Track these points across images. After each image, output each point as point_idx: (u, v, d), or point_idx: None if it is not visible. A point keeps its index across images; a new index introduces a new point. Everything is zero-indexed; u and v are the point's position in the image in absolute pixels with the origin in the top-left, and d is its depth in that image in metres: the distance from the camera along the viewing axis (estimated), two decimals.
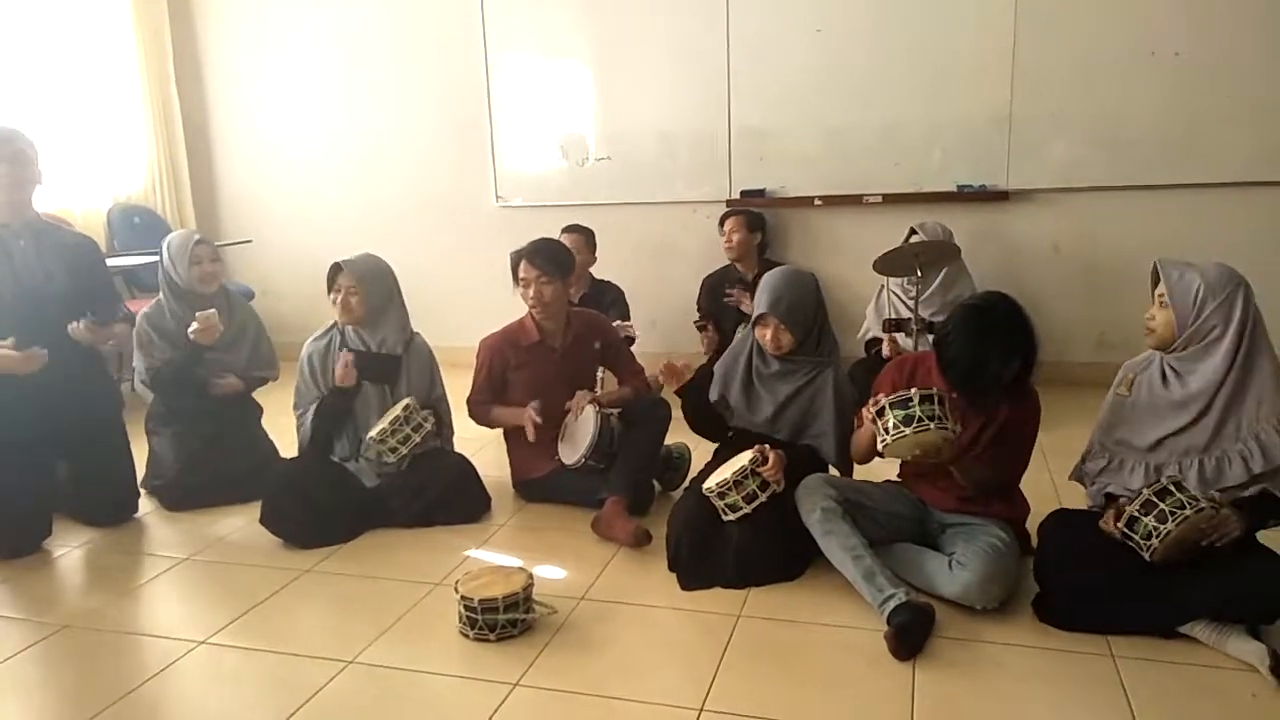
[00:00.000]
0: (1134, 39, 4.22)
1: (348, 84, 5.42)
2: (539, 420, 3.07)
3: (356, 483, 3.06)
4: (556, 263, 3.16)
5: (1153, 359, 2.35)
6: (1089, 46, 4.28)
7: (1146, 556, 2.12)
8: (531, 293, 3.12)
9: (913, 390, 2.19)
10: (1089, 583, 2.22)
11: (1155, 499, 2.08)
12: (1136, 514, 2.11)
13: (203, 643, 2.35)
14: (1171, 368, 2.27)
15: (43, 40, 4.69)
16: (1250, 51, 4.09)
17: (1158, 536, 2.08)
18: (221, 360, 3.37)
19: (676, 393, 2.85)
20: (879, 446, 2.28)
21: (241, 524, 3.11)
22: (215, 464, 3.30)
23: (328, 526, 2.93)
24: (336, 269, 3.08)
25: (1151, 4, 4.18)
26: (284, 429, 3.32)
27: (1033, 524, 2.48)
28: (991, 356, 2.26)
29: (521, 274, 3.12)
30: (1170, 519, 2.06)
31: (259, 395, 3.58)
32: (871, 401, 2.27)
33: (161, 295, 3.38)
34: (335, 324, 3.15)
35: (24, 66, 4.58)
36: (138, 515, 3.22)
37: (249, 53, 5.56)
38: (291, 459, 3.15)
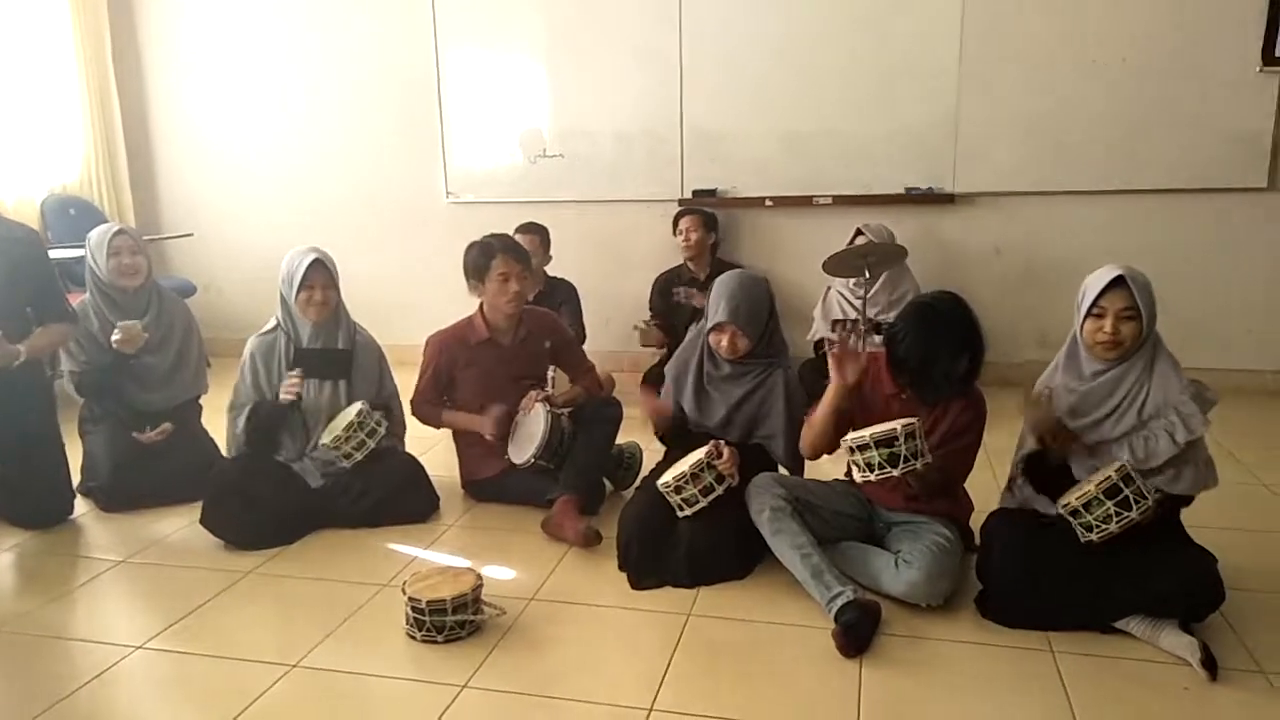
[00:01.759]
0: (1078, 46, 4.33)
1: (294, 74, 5.32)
2: (497, 419, 3.04)
3: (301, 482, 3.00)
4: (527, 257, 3.18)
5: (1057, 362, 2.39)
6: (1035, 52, 4.38)
7: (1083, 541, 2.18)
8: (513, 286, 3.08)
9: (897, 426, 2.18)
10: (1029, 580, 2.26)
11: (1102, 496, 2.12)
12: (1079, 507, 2.16)
13: (139, 648, 2.29)
14: (1096, 369, 2.30)
15: None
16: (1189, 60, 4.22)
17: (1098, 532, 2.15)
18: (146, 363, 3.26)
19: (661, 440, 2.89)
20: (858, 478, 2.29)
21: (181, 525, 3.03)
22: (152, 463, 3.21)
23: (271, 527, 2.87)
24: (316, 266, 3.00)
25: (1096, 12, 4.29)
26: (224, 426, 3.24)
27: (976, 522, 2.53)
28: (942, 354, 2.30)
29: (501, 269, 3.07)
30: (1115, 520, 2.11)
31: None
32: (852, 436, 2.26)
33: (88, 293, 3.27)
34: (278, 322, 3.08)
35: None
36: (72, 517, 3.12)
37: (191, 40, 5.42)
38: (233, 458, 3.07)
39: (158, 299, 3.35)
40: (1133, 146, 4.36)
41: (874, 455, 2.20)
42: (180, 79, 5.49)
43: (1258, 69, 4.14)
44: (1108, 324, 2.23)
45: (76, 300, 3.26)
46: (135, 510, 3.15)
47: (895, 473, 2.19)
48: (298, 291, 2.99)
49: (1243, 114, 4.21)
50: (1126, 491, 2.11)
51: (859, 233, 4.22)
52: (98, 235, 3.25)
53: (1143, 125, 4.33)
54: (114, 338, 3.11)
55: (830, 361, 2.44)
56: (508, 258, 3.08)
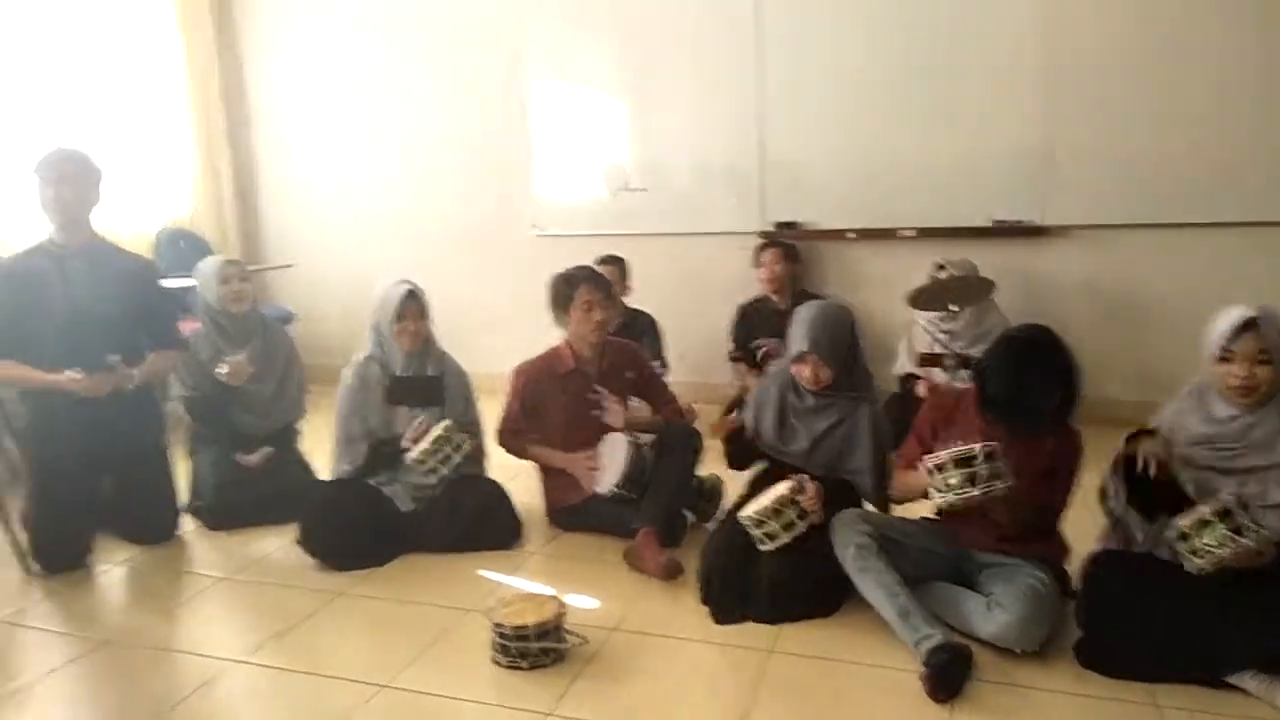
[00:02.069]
0: (1173, 72, 4.20)
1: (389, 111, 5.52)
2: (591, 470, 3.09)
3: (392, 506, 3.09)
4: (610, 287, 3.25)
5: (1181, 408, 2.29)
6: (1128, 79, 4.26)
7: (1189, 569, 2.08)
8: (596, 316, 3.14)
9: (976, 447, 2.15)
10: (1133, 627, 2.18)
11: (1214, 518, 2.03)
12: (1189, 530, 2.07)
13: (239, 662, 2.38)
14: (1231, 413, 2.20)
15: (94, 65, 4.82)
16: None
17: (1209, 558, 2.04)
18: (251, 389, 3.42)
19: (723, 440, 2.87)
20: (937, 501, 2.24)
21: (280, 544, 3.14)
22: (255, 485, 3.35)
23: (363, 549, 2.96)
24: (410, 297, 3.11)
25: (1190, 39, 4.16)
26: (322, 449, 3.36)
27: (1075, 565, 2.44)
28: (1034, 389, 2.24)
29: (585, 296, 3.13)
30: (1229, 545, 2.01)
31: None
32: (930, 457, 2.22)
33: (201, 323, 3.45)
34: (371, 350, 3.18)
35: (75, 90, 4.71)
36: (179, 534, 3.27)
37: (293, 81, 5.69)
38: (329, 481, 3.18)
39: (262, 327, 3.52)
40: (1233, 177, 4.19)
41: (953, 475, 2.16)
42: (282, 118, 5.77)
43: None
44: (1239, 368, 2.13)
45: (187, 328, 3.44)
46: (237, 529, 3.28)
47: (975, 493, 2.13)
48: (393, 322, 3.09)
49: None
50: (1241, 520, 2.01)
51: (940, 267, 4.16)
52: (210, 265, 3.44)
53: (1243, 155, 4.16)
54: (221, 372, 3.27)
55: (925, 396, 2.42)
56: (591, 287, 3.14)
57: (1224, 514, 2.03)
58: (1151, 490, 2.20)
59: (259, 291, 3.94)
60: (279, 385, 3.52)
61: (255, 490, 3.34)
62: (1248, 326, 2.12)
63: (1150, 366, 4.37)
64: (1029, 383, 2.25)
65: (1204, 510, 2.05)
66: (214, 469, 3.35)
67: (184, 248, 5.19)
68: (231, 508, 3.30)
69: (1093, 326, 4.40)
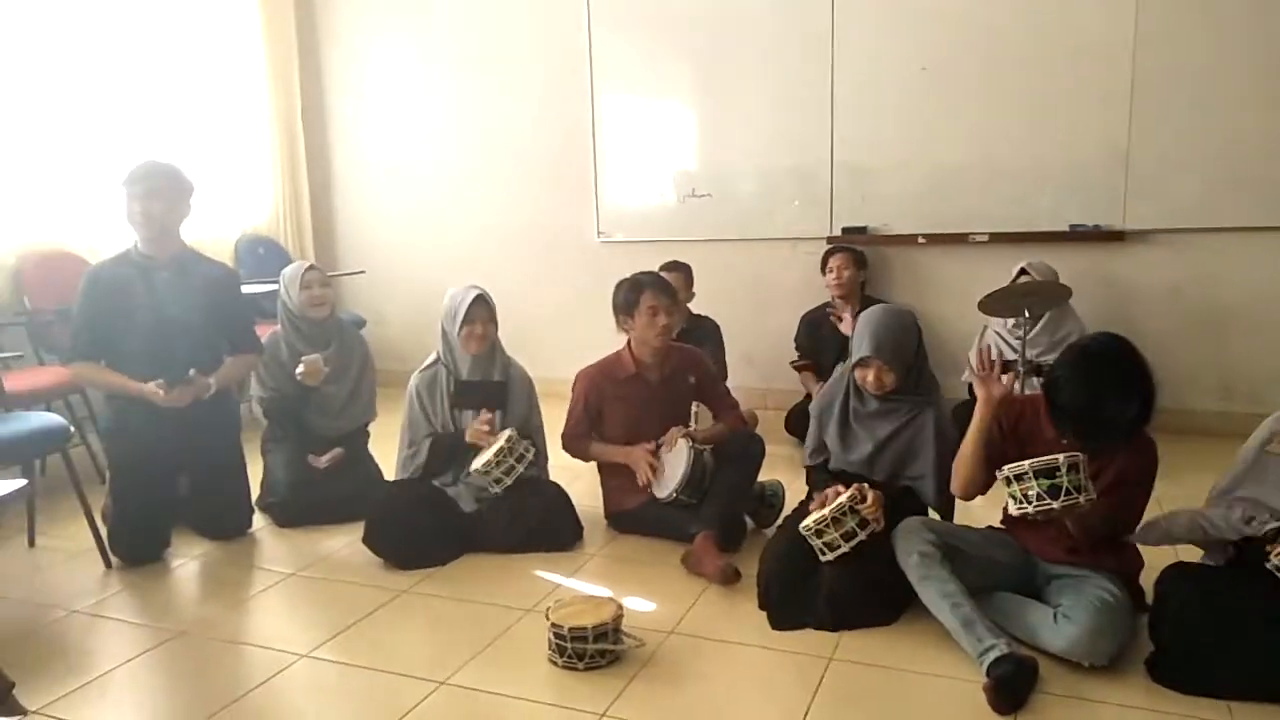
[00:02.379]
0: (1256, 73, 4.03)
1: (459, 120, 5.64)
2: (652, 472, 3.08)
3: (455, 507, 3.14)
4: (674, 292, 3.25)
5: None
6: (1211, 80, 4.10)
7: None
8: (661, 320, 3.14)
9: (1060, 458, 2.09)
10: (1210, 642, 2.08)
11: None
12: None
13: (305, 656, 2.44)
14: None
15: (178, 75, 5.03)
16: None
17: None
18: (327, 392, 3.52)
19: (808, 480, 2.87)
20: (1014, 510, 2.19)
21: (346, 542, 3.22)
22: (325, 485, 3.45)
23: (427, 549, 3.01)
24: (479, 302, 3.16)
25: (1273, 38, 3.98)
26: (388, 450, 3.43)
27: (1147, 579, 2.35)
28: (1107, 401, 2.15)
29: (650, 302, 3.14)
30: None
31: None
32: (1010, 466, 2.17)
33: (279, 325, 3.56)
34: (438, 355, 3.25)
35: (159, 101, 4.92)
36: (251, 530, 3.38)
37: (368, 92, 5.86)
38: (395, 482, 3.25)
39: (339, 331, 3.63)
40: None
41: (1033, 486, 2.09)
42: (357, 128, 5.94)
43: None
44: None
45: (265, 332, 3.56)
46: (306, 527, 3.38)
47: (1055, 506, 2.07)
48: (460, 326, 3.15)
49: None
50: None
51: (1023, 271, 4.05)
52: (291, 271, 3.56)
53: None
54: (298, 371, 3.37)
55: (975, 382, 2.38)
56: (656, 292, 3.15)
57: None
58: None
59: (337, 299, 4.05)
60: (353, 388, 3.62)
61: (325, 489, 3.43)
62: None
63: (1232, 376, 4.19)
64: (1102, 395, 2.15)
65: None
66: (287, 468, 3.45)
67: (263, 254, 5.38)
68: (302, 506, 3.40)
69: (1173, 334, 4.24)
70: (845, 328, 4.29)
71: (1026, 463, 2.11)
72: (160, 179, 3.07)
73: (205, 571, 3.10)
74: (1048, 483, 2.08)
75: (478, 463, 3.06)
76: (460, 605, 2.74)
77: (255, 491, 3.51)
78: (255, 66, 5.54)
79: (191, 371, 3.05)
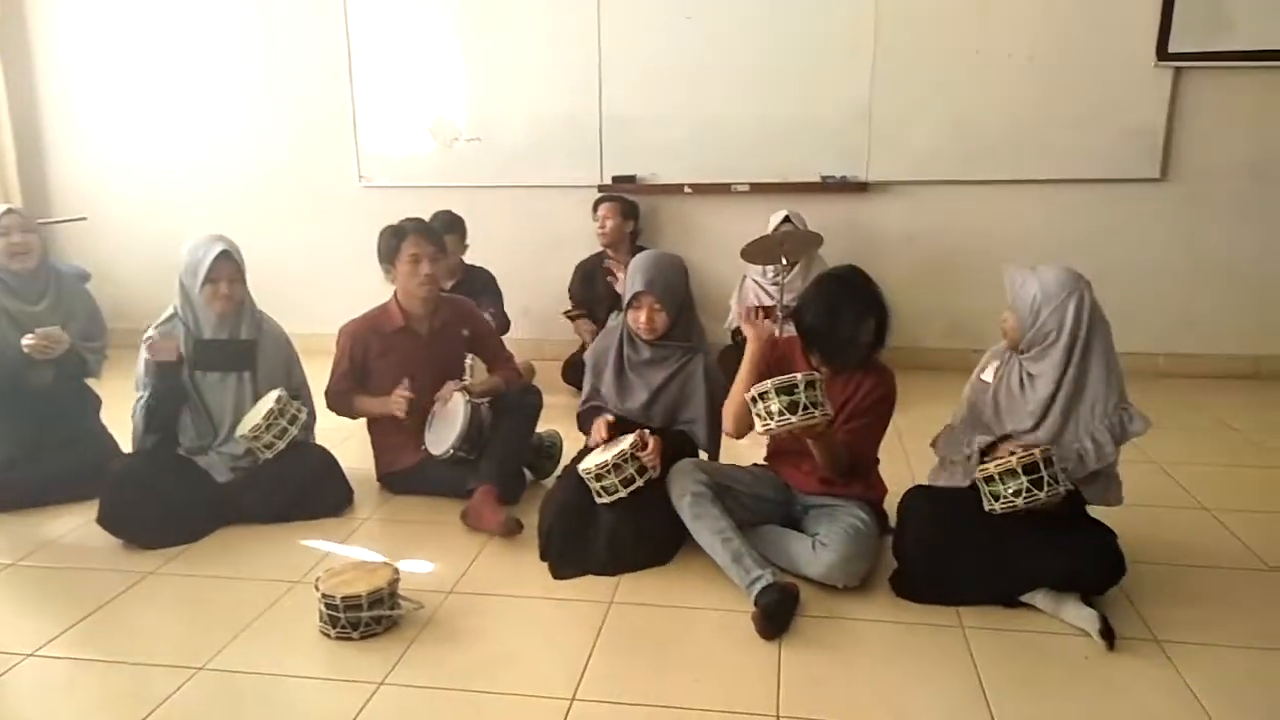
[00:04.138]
0: (986, 39, 4.44)
1: (197, 54, 5.09)
2: (409, 395, 2.97)
3: (207, 477, 2.88)
4: (441, 240, 3.11)
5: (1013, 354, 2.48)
6: (948, 46, 4.48)
7: (987, 508, 2.24)
8: (424, 269, 3.00)
9: (798, 376, 2.21)
10: (941, 557, 2.33)
11: (1020, 471, 2.17)
12: (996, 475, 2.21)
13: (31, 655, 2.17)
14: (1025, 370, 2.38)
15: None
16: (1089, 55, 4.37)
17: (1003, 503, 2.20)
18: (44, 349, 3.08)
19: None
20: (759, 429, 2.30)
21: (77, 525, 2.88)
22: (47, 460, 3.04)
23: (175, 525, 2.76)
24: (224, 257, 2.85)
25: (1001, 8, 4.41)
26: (126, 422, 3.07)
27: (891, 504, 2.59)
28: (847, 318, 2.38)
29: (411, 250, 2.99)
30: (1023, 495, 2.16)
31: (92, 383, 3.32)
32: (755, 385, 2.27)
33: None
34: (175, 311, 2.94)
35: None
36: None
37: (83, 11, 5.13)
38: (132, 454, 2.93)
39: (56, 282, 3.18)
40: (1036, 138, 4.51)
41: (774, 402, 2.21)
42: (70, 52, 5.20)
43: (1153, 64, 4.32)
44: (1004, 313, 2.39)
45: None
46: (26, 510, 2.98)
47: (794, 420, 2.19)
48: (202, 284, 2.86)
49: (1138, 108, 4.39)
50: (1044, 473, 2.16)
51: (787, 219, 4.26)
52: None
53: (1046, 117, 4.48)
54: (27, 341, 2.92)
55: (743, 325, 2.52)
56: (419, 238, 3.01)
57: (1030, 467, 2.17)
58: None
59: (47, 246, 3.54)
60: (81, 342, 3.19)
61: (47, 465, 3.03)
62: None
63: (958, 316, 4.68)
64: (840, 314, 2.39)
65: (1012, 460, 2.19)
66: None
67: None
68: (19, 485, 2.99)
69: (909, 278, 4.65)
70: (619, 287, 4.33)
71: (769, 381, 2.24)
72: None
73: None
74: (787, 399, 2.21)
75: (244, 428, 2.83)
76: (217, 583, 2.54)
77: None
78: None
79: None
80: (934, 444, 2.58)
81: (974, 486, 2.27)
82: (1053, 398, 2.32)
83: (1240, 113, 4.36)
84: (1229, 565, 2.57)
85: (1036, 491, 2.16)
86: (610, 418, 2.74)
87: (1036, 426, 2.34)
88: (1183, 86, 4.35)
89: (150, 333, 2.87)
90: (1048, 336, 2.31)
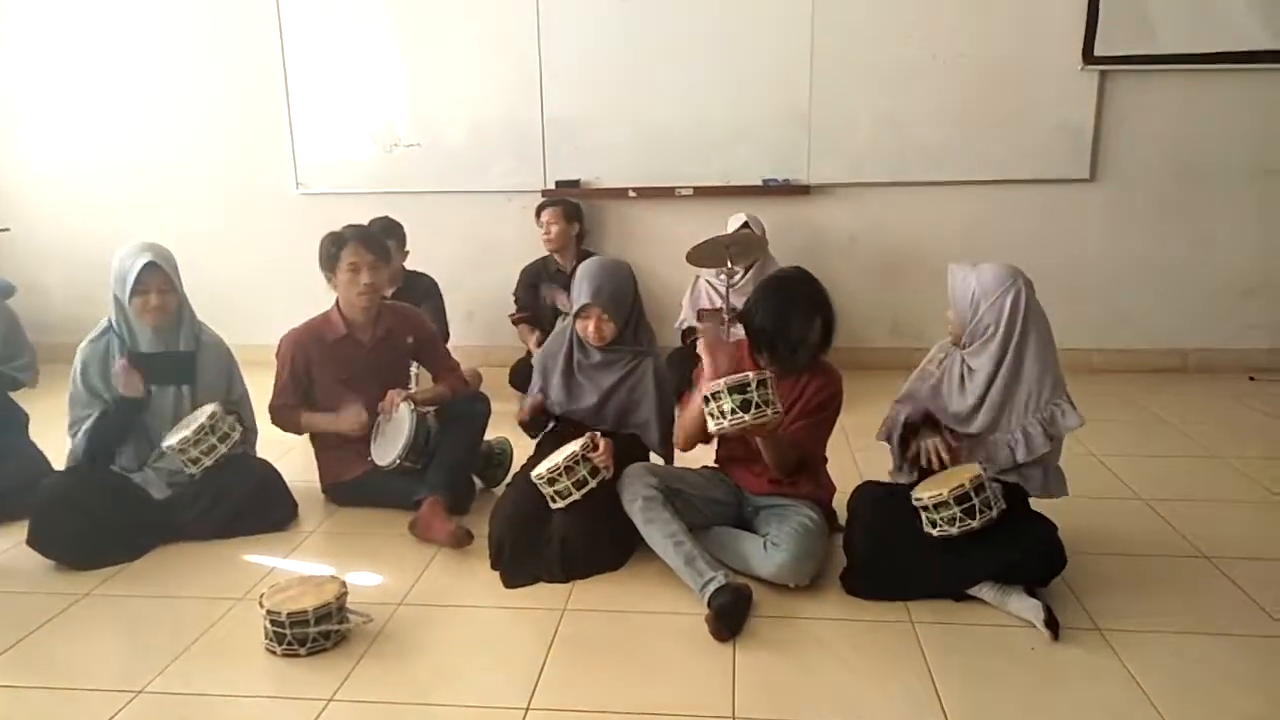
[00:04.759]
0: (919, 43, 4.53)
1: (125, 54, 4.94)
2: (359, 414, 2.94)
3: (143, 494, 2.80)
4: (383, 248, 3.06)
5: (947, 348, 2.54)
6: (880, 49, 4.55)
7: (926, 532, 2.30)
8: (364, 278, 2.94)
9: (750, 375, 2.23)
10: (889, 553, 2.37)
11: (952, 501, 2.24)
12: (930, 505, 2.27)
13: None
14: (965, 363, 2.45)
15: None
16: (1019, 58, 4.49)
17: (940, 530, 2.27)
18: None
19: (526, 430, 2.86)
20: (712, 428, 2.30)
21: (6, 546, 2.77)
22: None
23: (110, 543, 2.67)
24: (151, 268, 2.76)
25: (933, 13, 4.50)
26: (56, 437, 2.97)
27: (840, 503, 2.62)
28: (794, 319, 2.41)
29: (351, 259, 2.93)
30: (957, 524, 2.24)
31: (20, 399, 3.20)
32: (706, 385, 2.29)
33: None
34: (109, 324, 2.84)
35: None
36: None
37: (4, 13, 4.95)
38: (64, 470, 2.82)
39: None
40: (970, 140, 4.61)
41: (727, 401, 2.23)
42: None
43: (1079, 67, 4.45)
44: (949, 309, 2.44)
45: None
46: None
47: (747, 419, 2.21)
48: (131, 296, 2.77)
49: (1066, 109, 4.51)
50: (975, 501, 2.23)
51: (745, 225, 4.28)
52: None
53: (979, 119, 4.58)
54: None
55: (702, 351, 2.48)
56: (358, 246, 2.96)
57: (961, 498, 2.23)
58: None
59: None
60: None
61: None
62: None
63: (900, 315, 4.76)
64: (788, 315, 2.42)
65: (943, 492, 2.25)
66: None
67: None
68: None
69: (852, 278, 4.72)
70: (563, 305, 4.30)
71: (722, 380, 2.26)
72: None
73: None
74: (740, 398, 2.23)
75: (172, 439, 2.75)
76: (157, 603, 2.46)
77: None
78: None
79: None
80: (878, 436, 2.62)
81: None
82: (987, 390, 2.38)
83: (1165, 114, 4.51)
84: (1165, 553, 2.65)
85: (969, 520, 2.23)
86: (540, 397, 2.79)
87: (972, 417, 2.39)
88: (1109, 89, 4.49)
89: (115, 368, 2.77)
90: (986, 330, 2.36)
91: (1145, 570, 2.55)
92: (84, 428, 2.78)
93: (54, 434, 3.00)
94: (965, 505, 2.23)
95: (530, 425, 2.86)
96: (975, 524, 2.23)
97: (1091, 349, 4.74)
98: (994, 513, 2.25)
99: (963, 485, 2.23)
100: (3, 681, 2.10)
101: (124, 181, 5.08)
